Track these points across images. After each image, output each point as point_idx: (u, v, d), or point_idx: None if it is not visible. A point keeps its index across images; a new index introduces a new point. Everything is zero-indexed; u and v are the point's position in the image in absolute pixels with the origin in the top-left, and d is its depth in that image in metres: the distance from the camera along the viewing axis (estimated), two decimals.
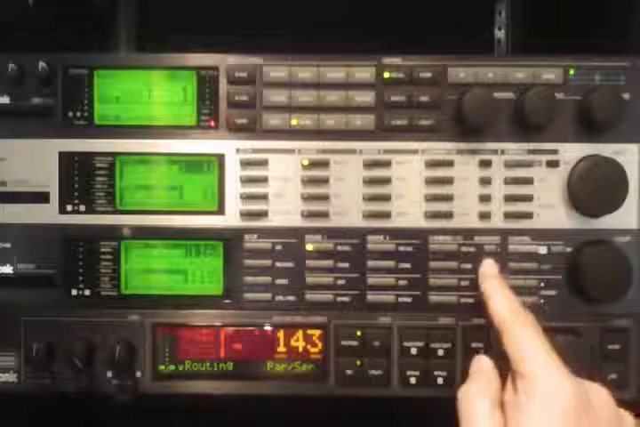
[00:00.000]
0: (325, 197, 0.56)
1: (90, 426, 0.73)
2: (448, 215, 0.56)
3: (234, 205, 0.56)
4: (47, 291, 0.56)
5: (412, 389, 0.55)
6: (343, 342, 0.56)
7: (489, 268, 0.53)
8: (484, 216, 0.56)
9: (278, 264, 0.56)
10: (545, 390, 0.41)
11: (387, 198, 0.56)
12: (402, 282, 0.56)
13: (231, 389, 0.57)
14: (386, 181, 0.56)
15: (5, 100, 0.56)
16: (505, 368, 0.45)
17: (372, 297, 0.56)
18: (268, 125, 0.56)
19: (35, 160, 0.56)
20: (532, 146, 0.55)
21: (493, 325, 0.47)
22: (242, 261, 0.56)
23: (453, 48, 0.56)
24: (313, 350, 0.56)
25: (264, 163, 0.56)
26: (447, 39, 0.64)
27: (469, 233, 0.56)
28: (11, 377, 0.57)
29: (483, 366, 0.46)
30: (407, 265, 0.56)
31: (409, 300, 0.56)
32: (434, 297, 0.56)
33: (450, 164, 0.56)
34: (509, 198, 0.55)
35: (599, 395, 0.42)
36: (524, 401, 0.41)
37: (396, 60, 0.56)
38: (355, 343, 0.56)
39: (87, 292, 0.57)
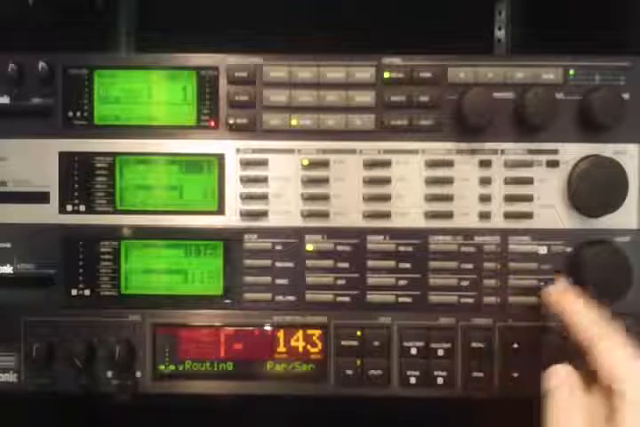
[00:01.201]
0: (325, 197, 0.56)
1: (90, 426, 0.73)
2: (448, 215, 0.56)
3: (234, 205, 0.56)
4: (47, 291, 0.56)
5: (412, 389, 0.55)
6: (343, 342, 0.56)
7: (561, 284, 0.52)
8: (484, 216, 0.56)
9: (278, 264, 0.56)
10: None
11: (387, 198, 0.56)
12: (402, 282, 0.56)
13: (231, 389, 0.57)
14: (386, 181, 0.56)
15: (5, 100, 0.56)
16: (586, 380, 0.44)
17: (371, 297, 0.56)
18: (268, 125, 0.56)
19: (35, 160, 0.56)
20: (532, 146, 0.55)
21: (577, 340, 0.45)
22: (242, 261, 0.56)
23: (453, 48, 0.56)
24: (313, 350, 0.56)
25: (264, 163, 0.56)
26: (447, 39, 0.64)
27: (469, 233, 0.56)
28: (11, 377, 0.57)
29: (565, 377, 0.44)
30: (407, 265, 0.56)
31: (409, 300, 0.56)
32: (434, 297, 0.56)
33: (450, 164, 0.56)
34: (509, 198, 0.55)
35: None
36: (620, 420, 0.40)
37: (396, 60, 0.56)
38: (355, 343, 0.56)
39: (87, 292, 0.57)
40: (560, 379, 0.44)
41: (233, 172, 0.56)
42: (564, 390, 0.44)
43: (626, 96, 0.54)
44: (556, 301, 0.50)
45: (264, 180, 0.56)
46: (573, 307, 0.48)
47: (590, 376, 0.43)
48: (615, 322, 0.45)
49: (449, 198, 0.56)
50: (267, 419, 0.71)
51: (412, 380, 0.55)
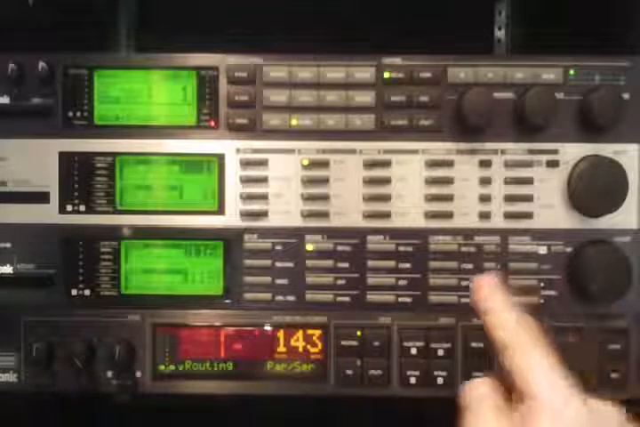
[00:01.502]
0: (325, 197, 0.56)
1: (90, 426, 0.73)
2: (448, 215, 0.56)
3: (234, 205, 0.56)
4: (47, 291, 0.56)
5: (412, 389, 0.55)
6: (343, 342, 0.56)
7: (489, 281, 0.46)
8: (484, 216, 0.56)
9: (278, 264, 0.56)
10: (552, 412, 0.38)
11: (387, 198, 0.56)
12: (402, 282, 0.56)
13: (231, 389, 0.57)
14: (386, 181, 0.56)
15: (5, 100, 0.56)
16: (506, 388, 0.41)
17: (371, 297, 0.56)
18: (268, 125, 0.56)
19: (35, 160, 0.56)
20: (532, 146, 0.55)
21: (496, 342, 0.42)
22: (242, 261, 0.56)
23: (453, 48, 0.56)
24: (313, 350, 0.56)
25: (264, 163, 0.56)
26: (447, 39, 0.64)
27: (469, 233, 0.56)
28: (11, 377, 0.57)
29: (481, 392, 0.42)
30: (407, 265, 0.56)
31: (409, 300, 0.56)
32: (434, 297, 0.56)
33: (450, 164, 0.56)
34: (509, 198, 0.56)
35: (611, 415, 0.39)
36: (530, 424, 0.38)
37: (396, 60, 0.56)
38: (355, 343, 0.56)
39: (87, 292, 0.57)
40: (478, 395, 0.42)
41: (233, 172, 0.56)
42: (481, 407, 0.41)
43: (626, 96, 0.54)
44: (483, 298, 0.45)
45: (264, 180, 0.56)
46: (499, 307, 0.43)
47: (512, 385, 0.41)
48: (539, 329, 0.41)
49: (449, 198, 0.56)
50: (267, 419, 0.71)
51: (412, 380, 0.55)
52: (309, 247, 0.56)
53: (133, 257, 0.57)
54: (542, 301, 0.55)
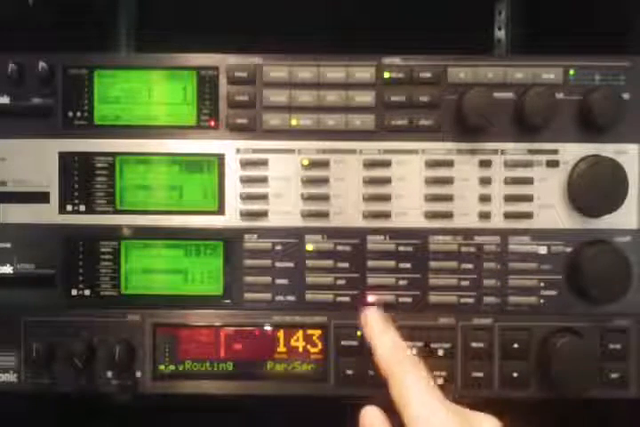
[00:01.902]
0: (325, 197, 0.56)
1: (90, 426, 0.73)
2: (448, 215, 0.56)
3: (234, 205, 0.56)
4: (47, 291, 0.56)
5: None
6: (343, 342, 0.56)
7: (371, 312, 0.50)
8: (484, 216, 0.56)
9: (278, 264, 0.56)
10: (422, 423, 0.40)
11: (387, 198, 0.56)
12: (402, 282, 0.56)
13: (231, 389, 0.57)
14: (386, 181, 0.56)
15: (5, 100, 0.56)
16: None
17: (372, 297, 0.56)
18: (268, 125, 0.56)
19: (35, 160, 0.56)
20: (532, 146, 0.55)
21: (379, 369, 0.45)
22: (242, 261, 0.56)
23: (453, 48, 0.56)
24: (313, 350, 0.56)
25: (264, 163, 0.56)
26: (447, 39, 0.64)
27: (469, 233, 0.56)
28: (11, 377, 0.56)
29: (372, 420, 0.45)
30: (407, 265, 0.56)
31: (409, 300, 0.56)
32: (434, 297, 0.56)
33: (450, 164, 0.56)
34: (509, 198, 0.55)
35: (483, 419, 0.42)
36: None
37: (396, 60, 0.56)
38: (355, 343, 0.56)
39: (87, 292, 0.57)
40: (369, 421, 0.44)
41: (233, 172, 0.56)
42: None
43: (626, 96, 0.54)
44: (365, 322, 0.49)
45: (264, 180, 0.56)
46: (377, 338, 0.47)
47: None
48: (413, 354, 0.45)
49: (449, 198, 0.56)
50: (267, 419, 0.71)
51: None
52: (309, 247, 0.56)
53: (133, 257, 0.57)
54: (542, 301, 0.55)
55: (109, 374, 0.56)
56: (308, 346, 0.56)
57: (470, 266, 0.55)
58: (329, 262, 0.56)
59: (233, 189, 0.56)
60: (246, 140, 0.56)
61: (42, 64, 0.55)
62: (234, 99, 0.56)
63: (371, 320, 0.49)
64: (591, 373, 0.54)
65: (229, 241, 0.56)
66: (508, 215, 0.55)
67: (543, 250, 0.56)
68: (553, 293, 0.55)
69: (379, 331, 0.48)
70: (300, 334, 0.56)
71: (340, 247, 0.56)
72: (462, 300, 0.56)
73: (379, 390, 0.55)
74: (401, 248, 0.56)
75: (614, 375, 0.55)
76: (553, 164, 0.55)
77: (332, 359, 0.56)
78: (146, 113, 0.57)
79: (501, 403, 0.56)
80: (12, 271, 0.56)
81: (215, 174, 0.56)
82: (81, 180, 0.56)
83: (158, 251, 0.57)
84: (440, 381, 0.55)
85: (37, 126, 0.56)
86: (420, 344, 0.55)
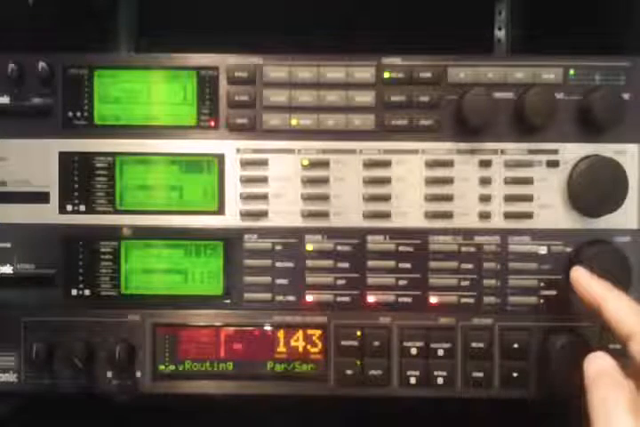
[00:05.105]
0: (325, 197, 0.56)
1: (90, 426, 0.73)
2: (448, 215, 0.56)
3: (234, 205, 0.56)
4: (47, 291, 0.56)
5: (411, 389, 0.55)
6: (343, 342, 0.56)
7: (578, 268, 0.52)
8: (484, 216, 0.56)
9: (278, 264, 0.56)
10: None
11: (387, 198, 0.56)
12: (402, 282, 0.56)
13: (231, 389, 0.57)
14: (386, 181, 0.56)
15: (5, 100, 0.56)
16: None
17: (372, 297, 0.56)
18: (268, 125, 0.56)
19: (35, 160, 0.56)
20: (532, 146, 0.55)
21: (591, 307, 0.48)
22: (242, 261, 0.56)
23: (453, 48, 0.56)
24: (313, 350, 0.56)
25: (264, 163, 0.56)
26: (447, 39, 0.64)
27: (469, 233, 0.56)
28: (11, 377, 0.57)
29: (604, 367, 0.44)
30: (407, 265, 0.56)
31: (409, 300, 0.56)
32: (434, 297, 0.56)
33: (450, 164, 0.56)
34: (509, 198, 0.56)
35: None
36: None
37: (396, 60, 0.56)
38: (355, 343, 0.56)
39: (87, 292, 0.57)
40: (600, 368, 0.44)
41: (233, 172, 0.56)
42: (606, 379, 0.42)
43: (626, 96, 0.54)
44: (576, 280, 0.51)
45: (264, 180, 0.56)
46: (586, 278, 0.50)
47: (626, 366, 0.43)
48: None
49: (449, 198, 0.56)
50: (267, 419, 0.71)
51: (412, 380, 0.55)
52: (309, 247, 0.56)
53: (133, 257, 0.57)
54: (542, 301, 0.55)
55: (109, 374, 0.56)
56: (308, 346, 0.56)
57: (470, 266, 0.55)
58: (329, 262, 0.56)
59: (233, 188, 0.56)
60: (246, 140, 0.56)
61: (42, 64, 0.55)
62: (234, 99, 0.56)
63: (589, 280, 0.50)
64: None
65: (229, 241, 0.56)
66: (508, 215, 0.55)
67: (543, 250, 0.56)
68: (553, 293, 0.55)
69: (585, 273, 0.51)
70: (299, 334, 0.56)
71: (340, 247, 0.56)
72: (462, 300, 0.56)
73: (379, 390, 0.56)
74: (401, 248, 0.56)
75: None
76: (553, 164, 0.55)
77: (331, 359, 0.56)
78: (146, 113, 0.57)
79: (502, 403, 0.56)
80: (11, 271, 0.56)
81: (215, 174, 0.56)
82: (81, 180, 0.57)
83: (158, 251, 0.57)
84: (440, 381, 0.55)
85: (37, 126, 0.56)
86: (420, 344, 0.55)
